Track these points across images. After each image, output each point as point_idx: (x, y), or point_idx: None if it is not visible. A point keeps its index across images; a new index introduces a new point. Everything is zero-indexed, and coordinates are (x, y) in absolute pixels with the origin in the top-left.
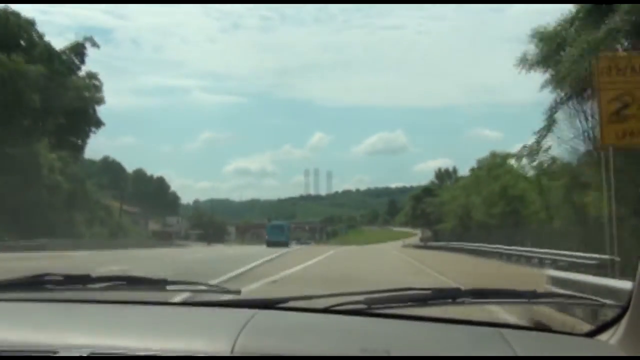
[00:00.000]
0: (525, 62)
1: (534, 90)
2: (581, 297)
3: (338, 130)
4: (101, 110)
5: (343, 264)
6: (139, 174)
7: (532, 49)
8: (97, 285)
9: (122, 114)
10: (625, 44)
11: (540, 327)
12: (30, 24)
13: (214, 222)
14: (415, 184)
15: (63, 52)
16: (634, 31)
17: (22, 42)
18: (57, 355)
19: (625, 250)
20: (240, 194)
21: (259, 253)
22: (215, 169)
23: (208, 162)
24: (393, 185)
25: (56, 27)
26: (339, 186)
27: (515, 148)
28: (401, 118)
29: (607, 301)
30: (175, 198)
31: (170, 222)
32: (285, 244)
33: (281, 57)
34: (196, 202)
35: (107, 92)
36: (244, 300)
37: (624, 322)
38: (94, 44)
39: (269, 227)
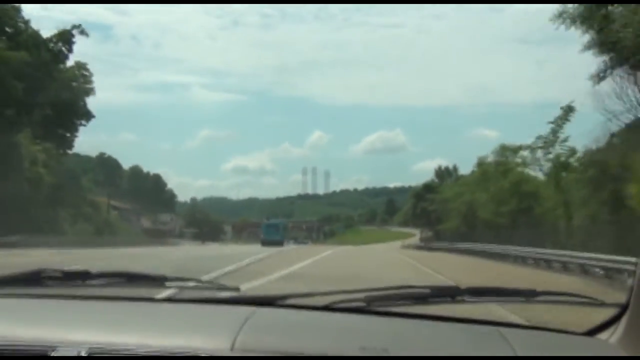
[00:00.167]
0: (564, 18)
1: (533, 90)
2: (581, 296)
3: (337, 128)
4: (92, 103)
5: (337, 270)
6: (136, 171)
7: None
8: (96, 282)
9: (122, 110)
10: None
11: (539, 325)
12: (16, 9)
13: (209, 221)
14: (413, 183)
15: (50, 40)
16: None
17: (6, 29)
18: (55, 352)
19: None
20: (238, 192)
21: (247, 253)
22: (213, 167)
23: (207, 160)
24: (391, 185)
25: (55, 23)
26: (337, 185)
27: None
28: (400, 117)
29: (607, 300)
30: (172, 196)
31: (164, 220)
32: (280, 243)
33: (281, 55)
34: (193, 200)
35: (107, 89)
36: (244, 298)
37: (623, 321)
38: (82, 32)
39: (264, 225)
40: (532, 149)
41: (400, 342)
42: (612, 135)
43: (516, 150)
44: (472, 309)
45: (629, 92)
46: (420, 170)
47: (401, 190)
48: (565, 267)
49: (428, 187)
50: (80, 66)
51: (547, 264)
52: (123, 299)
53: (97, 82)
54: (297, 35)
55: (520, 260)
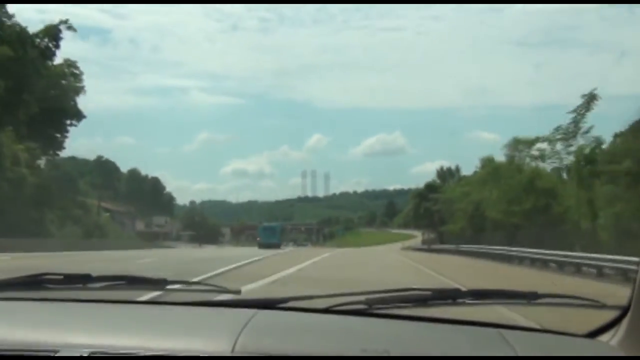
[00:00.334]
0: None
1: (532, 93)
2: (582, 298)
3: (336, 131)
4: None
5: (335, 270)
6: (134, 174)
7: None
8: (97, 285)
9: (120, 114)
10: None
11: (540, 327)
12: None
13: (207, 223)
14: (413, 186)
15: (36, 35)
16: None
17: None
18: (57, 354)
19: None
20: (237, 195)
21: (241, 256)
22: (213, 170)
23: (206, 164)
24: (391, 187)
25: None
26: (336, 188)
27: None
28: (399, 120)
29: (608, 302)
30: (170, 199)
31: (159, 223)
32: (277, 246)
33: (280, 58)
34: (192, 203)
35: (105, 92)
36: (245, 300)
37: (624, 323)
38: (70, 28)
39: (260, 228)
40: (550, 141)
41: (402, 344)
42: None
43: (532, 142)
44: (474, 312)
45: None
46: (419, 173)
47: (401, 193)
48: (600, 273)
49: (431, 187)
50: (70, 64)
51: (576, 268)
52: (124, 301)
53: (96, 85)
54: (296, 38)
55: (539, 264)
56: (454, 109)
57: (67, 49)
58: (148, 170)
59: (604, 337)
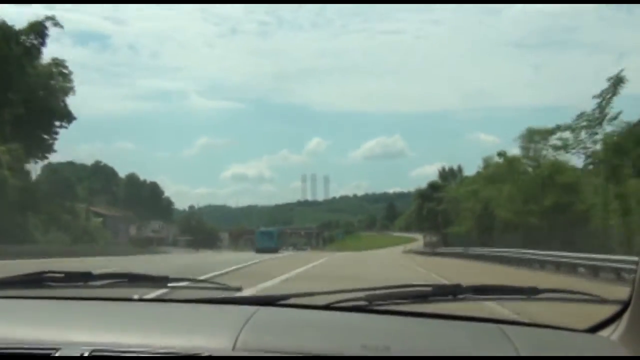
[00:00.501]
0: None
1: (530, 95)
2: (582, 293)
3: (336, 135)
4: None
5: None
6: (132, 179)
7: None
8: (99, 283)
9: (119, 119)
10: None
11: (541, 323)
12: None
13: (205, 228)
14: (413, 188)
15: (21, 32)
16: None
17: None
18: (58, 352)
19: None
20: (237, 199)
21: (235, 260)
22: (212, 175)
23: (205, 168)
24: (391, 191)
25: (52, 33)
26: (336, 191)
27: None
28: (399, 123)
29: (608, 297)
30: (169, 203)
31: (154, 228)
32: (274, 250)
33: (279, 62)
34: (191, 207)
35: (105, 98)
36: (246, 298)
37: (624, 318)
38: (56, 24)
39: (258, 233)
40: (573, 129)
41: (402, 341)
42: None
43: (551, 132)
44: (474, 307)
45: None
46: (419, 176)
47: (401, 196)
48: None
49: (434, 187)
50: (58, 63)
51: (616, 274)
52: (125, 299)
53: (96, 91)
54: (294, 42)
55: (566, 268)
56: (453, 111)
57: (66, 55)
58: (148, 175)
59: (605, 332)
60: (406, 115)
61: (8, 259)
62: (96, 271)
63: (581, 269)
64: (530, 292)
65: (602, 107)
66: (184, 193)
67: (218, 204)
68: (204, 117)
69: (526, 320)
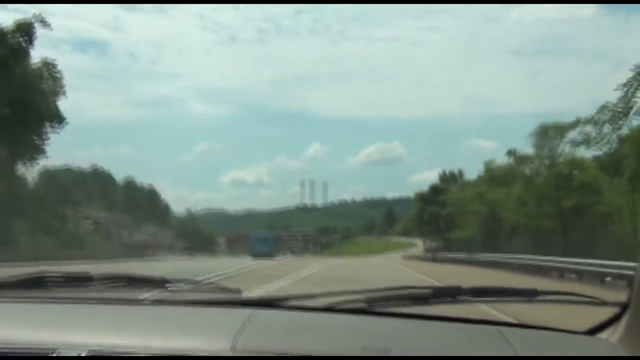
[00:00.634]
0: None
1: (528, 101)
2: (581, 295)
3: (334, 141)
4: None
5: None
6: (129, 184)
7: None
8: (97, 285)
9: (118, 125)
10: None
11: (540, 325)
12: None
13: (201, 233)
14: (411, 194)
15: (7, 32)
16: None
17: None
18: (55, 354)
19: None
20: (236, 205)
21: (227, 266)
22: (211, 180)
23: (204, 173)
24: (389, 196)
25: (51, 40)
26: (334, 197)
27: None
28: (398, 129)
29: (608, 299)
30: (166, 208)
31: (148, 232)
32: (270, 255)
33: (277, 69)
34: (188, 210)
35: (104, 105)
36: (245, 299)
37: (624, 320)
38: (45, 24)
39: (253, 238)
40: (595, 123)
41: (402, 343)
42: None
43: (570, 127)
44: (474, 309)
45: None
46: (418, 182)
47: (399, 202)
48: None
49: (436, 190)
50: (48, 64)
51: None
52: (124, 301)
53: (95, 98)
54: (293, 49)
55: (588, 276)
56: (451, 117)
57: (66, 62)
58: (147, 180)
59: (604, 334)
60: (404, 122)
61: None
62: (94, 273)
63: (608, 279)
64: (529, 294)
65: (628, 98)
66: (183, 198)
67: (217, 208)
68: (203, 123)
69: (525, 322)
